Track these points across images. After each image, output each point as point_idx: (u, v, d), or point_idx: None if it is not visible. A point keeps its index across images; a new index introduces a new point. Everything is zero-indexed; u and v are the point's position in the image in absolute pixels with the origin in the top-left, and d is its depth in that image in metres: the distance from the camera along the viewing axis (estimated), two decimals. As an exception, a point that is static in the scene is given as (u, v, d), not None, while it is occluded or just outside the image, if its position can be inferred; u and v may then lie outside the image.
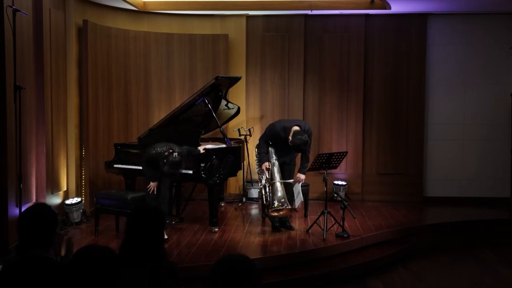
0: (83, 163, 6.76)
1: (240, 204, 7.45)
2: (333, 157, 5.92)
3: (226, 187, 7.82)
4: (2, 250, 4.95)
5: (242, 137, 7.49)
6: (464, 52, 7.92)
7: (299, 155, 6.05)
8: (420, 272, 5.63)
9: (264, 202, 6.07)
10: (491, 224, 6.91)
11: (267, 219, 6.31)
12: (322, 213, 5.86)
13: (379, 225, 6.33)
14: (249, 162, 7.68)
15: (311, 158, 6.06)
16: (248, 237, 5.80)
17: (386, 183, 7.96)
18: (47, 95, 5.83)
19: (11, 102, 4.93)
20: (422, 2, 7.17)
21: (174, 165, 5.12)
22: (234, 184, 7.95)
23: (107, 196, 5.84)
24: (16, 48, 4.84)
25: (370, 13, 7.70)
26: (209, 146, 6.14)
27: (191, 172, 5.86)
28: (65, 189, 6.43)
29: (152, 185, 5.50)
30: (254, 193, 7.70)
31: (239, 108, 7.09)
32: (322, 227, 5.75)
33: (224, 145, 6.33)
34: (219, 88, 6.52)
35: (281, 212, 5.79)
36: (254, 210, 7.21)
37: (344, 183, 7.77)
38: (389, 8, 7.32)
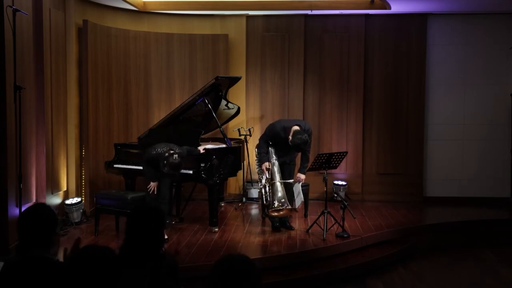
0: (83, 163, 6.75)
1: (240, 204, 7.44)
2: (333, 157, 5.92)
3: (226, 187, 7.82)
4: (2, 250, 4.95)
5: (242, 137, 7.49)
6: (464, 52, 7.92)
7: (299, 155, 6.05)
8: (420, 272, 5.63)
9: (264, 202, 6.06)
10: (491, 224, 6.91)
11: (267, 219, 6.31)
12: (322, 213, 5.85)
13: (379, 225, 6.33)
14: (249, 162, 7.68)
15: (311, 158, 6.06)
16: (248, 237, 5.80)
17: (386, 183, 7.95)
18: (47, 95, 5.83)
19: (11, 102, 4.93)
20: (422, 2, 7.16)
21: (174, 166, 5.13)
22: (234, 184, 7.95)
23: (107, 196, 5.84)
24: (16, 48, 4.84)
25: (370, 13, 7.70)
26: (209, 146, 6.13)
27: (191, 172, 5.86)
28: (65, 189, 6.43)
29: (152, 185, 5.50)
30: (254, 193, 7.70)
31: (239, 108, 7.09)
32: (322, 227, 5.74)
33: (224, 145, 6.33)
34: (219, 88, 6.52)
35: (281, 212, 5.79)
36: (254, 210, 7.21)
37: (344, 183, 7.76)
38: (389, 8, 7.32)
